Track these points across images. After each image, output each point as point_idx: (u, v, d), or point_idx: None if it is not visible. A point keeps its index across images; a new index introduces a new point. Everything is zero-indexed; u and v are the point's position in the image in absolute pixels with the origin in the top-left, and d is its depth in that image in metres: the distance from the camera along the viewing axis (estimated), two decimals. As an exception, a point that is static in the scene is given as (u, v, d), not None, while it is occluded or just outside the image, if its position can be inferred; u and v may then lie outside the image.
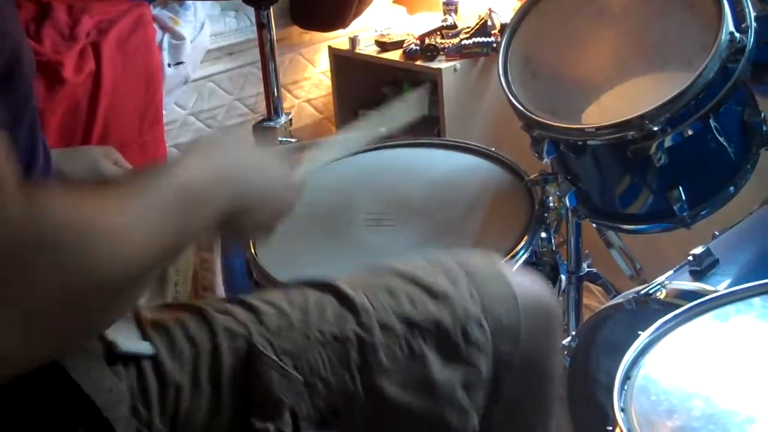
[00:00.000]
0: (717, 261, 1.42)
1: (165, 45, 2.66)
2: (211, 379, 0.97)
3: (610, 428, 0.99)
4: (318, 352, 1.01)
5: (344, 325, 1.03)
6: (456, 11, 2.88)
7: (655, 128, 1.40)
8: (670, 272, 1.47)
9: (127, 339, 0.95)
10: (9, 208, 0.67)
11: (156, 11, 2.75)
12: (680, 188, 1.48)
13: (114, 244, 0.73)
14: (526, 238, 1.47)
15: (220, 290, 1.54)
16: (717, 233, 1.59)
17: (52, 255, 0.69)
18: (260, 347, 0.99)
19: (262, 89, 2.00)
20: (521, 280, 1.14)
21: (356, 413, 1.01)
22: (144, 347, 0.96)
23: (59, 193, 0.74)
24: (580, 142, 1.52)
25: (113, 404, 0.90)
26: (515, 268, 1.19)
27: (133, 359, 0.94)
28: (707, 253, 1.42)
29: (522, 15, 1.68)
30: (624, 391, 0.98)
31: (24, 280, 0.68)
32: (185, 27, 2.72)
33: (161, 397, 0.94)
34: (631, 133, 1.41)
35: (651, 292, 1.40)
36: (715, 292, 1.20)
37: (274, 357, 0.99)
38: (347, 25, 3.04)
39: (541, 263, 1.54)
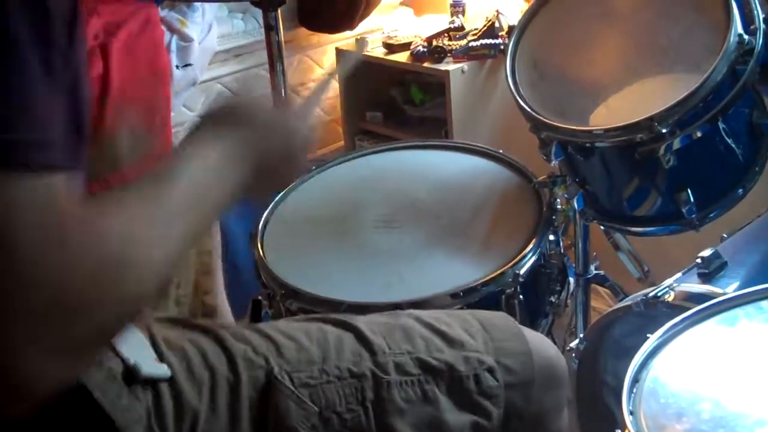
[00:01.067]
0: (725, 263, 1.41)
1: (173, 47, 2.66)
2: (229, 407, 0.98)
3: (619, 431, 0.98)
4: (334, 386, 1.03)
5: (361, 363, 1.05)
6: (463, 13, 2.88)
7: (664, 130, 1.39)
8: (679, 275, 1.46)
9: (146, 360, 0.96)
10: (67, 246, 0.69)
11: (164, 13, 2.75)
12: (689, 190, 1.48)
13: (146, 269, 0.75)
14: (534, 240, 1.47)
15: (222, 295, 1.54)
16: (725, 236, 1.58)
17: (95, 291, 0.70)
18: (279, 377, 1.01)
19: (269, 91, 2.00)
20: (536, 340, 1.17)
21: None
22: (161, 370, 0.97)
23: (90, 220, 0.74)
24: (588, 144, 1.51)
25: (131, 423, 0.91)
26: (529, 328, 1.22)
27: (151, 383, 0.95)
28: (716, 255, 1.42)
29: (530, 17, 1.68)
30: (633, 394, 0.98)
31: (73, 314, 0.69)
32: (193, 29, 2.72)
33: (177, 421, 0.95)
34: (640, 135, 1.41)
35: (659, 294, 1.40)
36: (724, 294, 1.19)
37: (292, 388, 1.01)
38: (355, 27, 3.04)
39: (549, 266, 1.54)
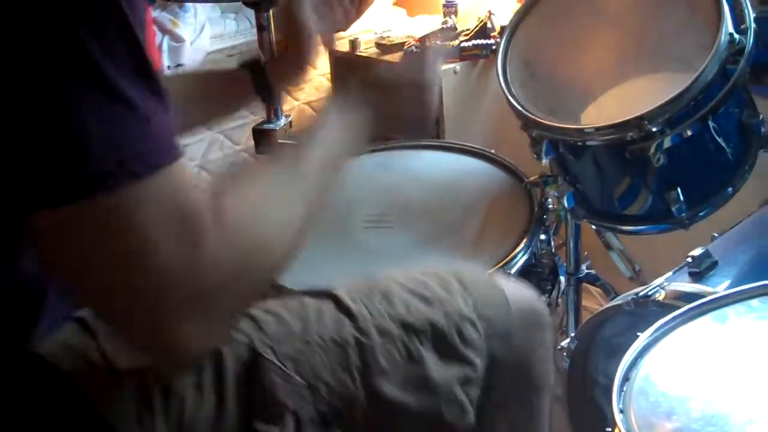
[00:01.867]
0: (716, 262, 1.42)
1: (165, 47, 2.67)
2: (214, 387, 0.98)
3: (609, 429, 0.98)
4: (319, 356, 1.02)
5: (342, 329, 1.05)
6: (456, 13, 2.88)
7: (654, 129, 1.40)
8: (669, 274, 1.47)
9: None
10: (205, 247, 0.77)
11: (156, 13, 2.75)
12: (679, 189, 1.48)
13: (279, 251, 0.87)
14: (525, 240, 1.48)
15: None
16: (716, 235, 1.59)
17: (233, 282, 0.80)
18: (263, 353, 1.00)
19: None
20: (512, 286, 1.17)
21: (357, 414, 1.03)
22: None
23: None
24: (579, 143, 1.52)
25: (118, 414, 0.91)
26: (507, 277, 1.21)
27: (136, 369, 0.95)
28: (706, 254, 1.42)
29: (521, 16, 1.68)
30: (623, 393, 0.98)
31: (215, 300, 0.79)
32: (185, 29, 2.72)
33: (165, 406, 0.95)
34: (630, 133, 1.41)
35: (650, 293, 1.40)
36: (714, 293, 1.20)
37: (277, 362, 1.00)
38: (347, 28, 3.04)
39: (540, 265, 1.54)
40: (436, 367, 1.06)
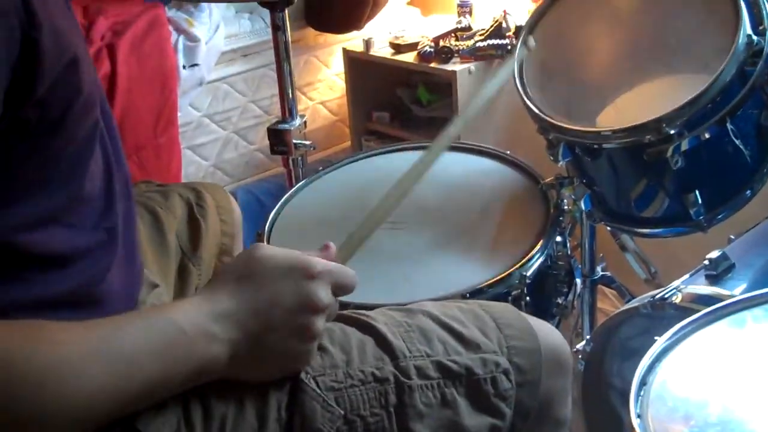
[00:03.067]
0: (733, 265, 1.41)
1: (180, 47, 2.67)
2: (256, 411, 0.98)
3: (626, 434, 0.98)
4: (359, 390, 1.03)
5: (383, 367, 1.05)
6: (471, 13, 2.88)
7: (672, 132, 1.39)
8: (686, 276, 1.46)
9: None
10: None
11: (171, 13, 2.75)
12: (697, 192, 1.48)
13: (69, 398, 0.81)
14: (541, 241, 1.47)
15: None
16: (733, 237, 1.58)
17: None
18: (305, 380, 1.00)
19: (276, 91, 2.01)
20: (545, 334, 1.16)
21: None
22: None
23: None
24: (595, 146, 1.51)
25: (158, 428, 0.92)
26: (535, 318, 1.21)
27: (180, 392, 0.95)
28: (723, 257, 1.41)
29: (537, 17, 1.68)
30: (640, 397, 0.97)
31: None
32: (200, 29, 2.72)
33: (205, 424, 0.95)
34: (648, 136, 1.41)
35: (666, 296, 1.39)
36: (731, 296, 1.19)
37: (319, 391, 1.00)
38: (362, 27, 3.05)
39: (556, 267, 1.54)
40: (469, 415, 1.06)
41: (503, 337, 1.12)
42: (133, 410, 0.88)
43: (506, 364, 1.10)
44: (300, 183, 1.76)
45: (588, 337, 1.70)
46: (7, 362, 0.77)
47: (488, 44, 2.68)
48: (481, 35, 2.72)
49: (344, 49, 3.02)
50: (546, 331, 1.18)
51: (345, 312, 1.14)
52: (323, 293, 0.98)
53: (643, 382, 1.00)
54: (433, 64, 2.73)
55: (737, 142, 1.46)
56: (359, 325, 1.11)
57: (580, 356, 1.65)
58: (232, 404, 0.96)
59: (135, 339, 0.86)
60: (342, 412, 1.00)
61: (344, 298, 1.36)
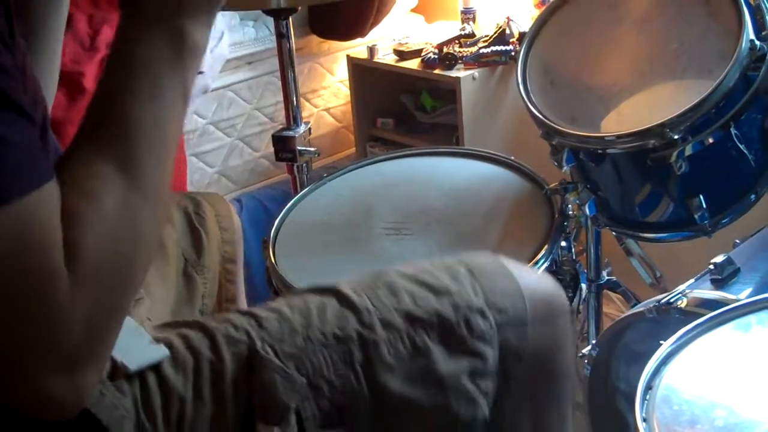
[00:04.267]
0: (738, 270, 1.42)
1: (184, 55, 2.67)
2: (213, 388, 0.97)
3: (632, 437, 0.98)
4: (320, 353, 1.01)
5: (346, 324, 1.04)
6: (474, 20, 2.89)
7: (676, 136, 1.39)
8: (691, 281, 1.46)
9: (137, 350, 0.96)
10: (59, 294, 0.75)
11: (176, 21, 2.76)
12: (701, 196, 1.48)
13: (147, 262, 0.84)
14: (546, 247, 1.47)
15: (244, 303, 1.55)
16: (738, 241, 1.58)
17: (108, 321, 0.80)
18: (262, 352, 0.99)
19: (281, 98, 2.01)
20: (526, 275, 1.14)
21: (362, 411, 1.02)
22: (157, 352, 0.97)
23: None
24: (599, 151, 1.51)
25: (118, 420, 0.91)
26: (521, 264, 1.19)
27: (137, 374, 0.95)
28: (728, 261, 1.42)
29: (541, 23, 1.68)
30: (646, 401, 0.98)
31: (93, 345, 0.79)
32: (204, 37, 2.73)
33: (165, 410, 0.95)
34: (652, 141, 1.41)
35: (672, 300, 1.40)
36: (737, 301, 1.19)
37: (277, 361, 0.99)
38: (365, 34, 3.05)
39: (561, 272, 1.54)
40: (443, 360, 1.04)
41: (477, 281, 1.09)
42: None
43: (481, 304, 1.07)
44: (305, 189, 1.77)
45: (594, 341, 1.70)
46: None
47: (492, 51, 2.68)
48: (484, 42, 2.73)
49: (348, 56, 3.03)
50: (532, 276, 1.16)
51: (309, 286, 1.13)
52: None
53: (648, 386, 1.00)
54: (436, 71, 2.73)
55: (741, 146, 1.46)
56: (320, 290, 1.09)
57: (586, 361, 1.66)
58: (189, 385, 0.96)
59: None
60: (304, 380, 0.99)
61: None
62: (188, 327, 1.05)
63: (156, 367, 0.96)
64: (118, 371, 0.94)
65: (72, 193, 0.79)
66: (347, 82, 3.11)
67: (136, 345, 0.97)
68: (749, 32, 1.41)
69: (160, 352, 0.97)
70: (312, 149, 1.98)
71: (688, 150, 1.42)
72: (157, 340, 1.01)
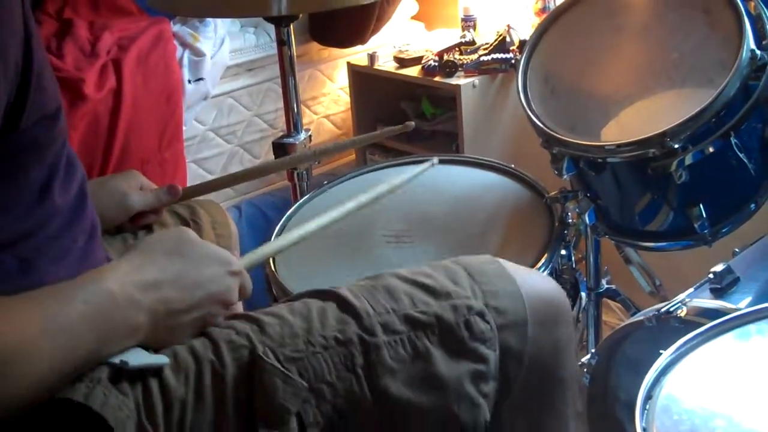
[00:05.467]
0: (738, 279, 1.41)
1: (185, 61, 2.68)
2: (214, 392, 0.98)
3: (632, 447, 0.98)
4: (322, 357, 1.02)
5: (346, 328, 1.04)
6: (474, 27, 2.89)
7: (676, 146, 1.39)
8: (691, 290, 1.46)
9: (138, 356, 0.97)
10: None
11: (176, 28, 2.76)
12: (701, 206, 1.48)
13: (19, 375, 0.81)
14: (546, 255, 1.48)
15: (241, 309, 1.55)
16: (737, 250, 1.58)
17: None
18: (263, 356, 1.00)
19: (281, 105, 2.01)
20: (525, 276, 1.15)
21: (363, 415, 1.02)
22: (158, 358, 0.98)
23: None
24: (599, 160, 1.51)
25: (122, 421, 0.91)
26: (521, 266, 1.19)
27: (139, 378, 0.95)
28: (728, 270, 1.41)
29: (542, 31, 1.69)
30: (646, 411, 0.98)
31: None
32: (205, 43, 2.73)
33: (166, 414, 0.95)
34: (652, 150, 1.41)
35: (671, 309, 1.39)
36: (737, 310, 1.19)
37: (278, 365, 0.99)
38: (366, 42, 3.05)
39: (561, 280, 1.54)
40: (444, 363, 1.04)
41: (476, 283, 1.10)
42: (68, 381, 0.90)
43: (480, 306, 1.07)
44: (305, 197, 1.77)
45: (593, 350, 1.70)
46: None
47: (492, 58, 2.68)
48: (485, 49, 2.73)
49: (349, 63, 3.03)
50: (534, 277, 1.17)
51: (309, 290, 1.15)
52: (235, 291, 1.08)
53: (648, 396, 1.00)
54: (437, 78, 2.73)
55: (741, 156, 1.46)
56: (320, 294, 1.10)
57: (585, 369, 1.65)
58: (190, 389, 0.96)
59: (77, 312, 0.89)
60: (305, 384, 0.99)
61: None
62: None
63: (157, 372, 0.97)
64: (118, 374, 0.94)
65: None
66: (347, 89, 3.12)
67: (135, 350, 0.97)
68: (750, 42, 1.41)
69: (161, 359, 0.98)
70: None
71: (689, 159, 1.42)
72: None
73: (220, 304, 1.05)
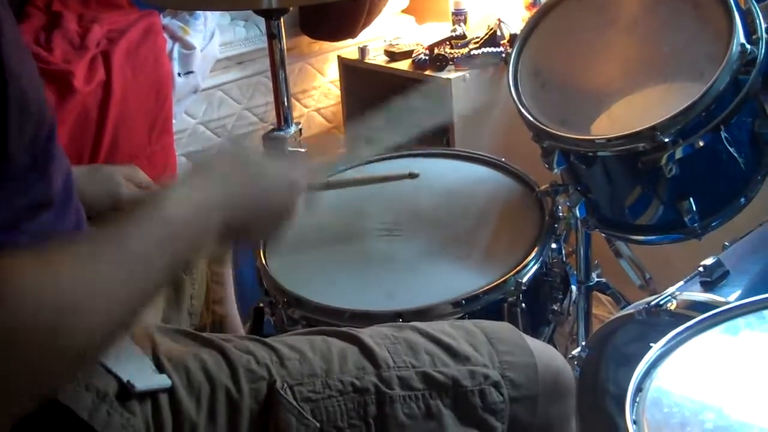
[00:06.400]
0: (727, 272, 1.41)
1: (175, 54, 2.67)
2: (228, 419, 0.98)
3: (622, 440, 0.98)
4: (336, 401, 1.03)
5: (364, 376, 1.05)
6: (465, 21, 2.89)
7: (666, 139, 1.40)
8: (681, 283, 1.46)
9: (143, 375, 0.96)
10: None
11: (166, 21, 2.75)
12: (691, 199, 1.48)
13: (86, 320, 0.71)
14: (536, 248, 1.48)
15: (232, 304, 1.55)
16: (727, 244, 1.58)
17: (26, 347, 0.67)
18: (281, 391, 1.00)
19: (271, 98, 2.01)
20: (541, 350, 1.16)
21: None
22: (160, 381, 0.97)
23: (27, 269, 0.71)
24: (590, 153, 1.52)
25: None
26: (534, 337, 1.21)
27: (149, 394, 0.95)
28: (718, 263, 1.42)
29: (532, 26, 1.69)
30: (636, 403, 0.98)
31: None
32: (195, 36, 2.73)
33: None
34: (642, 144, 1.41)
35: (661, 302, 1.40)
36: (726, 303, 1.19)
37: (294, 402, 1.00)
38: (356, 35, 3.05)
39: (551, 273, 1.54)
40: (455, 428, 1.05)
41: (495, 352, 1.11)
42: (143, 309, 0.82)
43: (497, 377, 1.08)
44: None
45: (583, 343, 1.70)
46: (40, 289, 0.70)
47: (483, 52, 2.68)
48: (475, 43, 2.73)
49: (339, 57, 3.03)
50: (548, 353, 1.18)
51: (330, 327, 1.15)
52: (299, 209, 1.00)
53: (638, 388, 1.00)
54: (427, 72, 2.73)
55: (731, 150, 1.46)
56: (343, 335, 1.10)
57: (575, 362, 1.66)
58: (203, 412, 0.96)
59: (146, 241, 0.80)
60: (318, 425, 1.00)
61: (340, 306, 1.38)
62: (204, 345, 1.05)
63: (169, 390, 0.96)
64: (125, 391, 0.93)
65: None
66: (338, 83, 3.11)
67: (140, 370, 0.96)
68: (740, 36, 1.41)
69: (164, 381, 0.97)
70: (302, 150, 1.97)
71: (679, 153, 1.42)
72: (170, 359, 1.00)
73: (285, 221, 0.98)
